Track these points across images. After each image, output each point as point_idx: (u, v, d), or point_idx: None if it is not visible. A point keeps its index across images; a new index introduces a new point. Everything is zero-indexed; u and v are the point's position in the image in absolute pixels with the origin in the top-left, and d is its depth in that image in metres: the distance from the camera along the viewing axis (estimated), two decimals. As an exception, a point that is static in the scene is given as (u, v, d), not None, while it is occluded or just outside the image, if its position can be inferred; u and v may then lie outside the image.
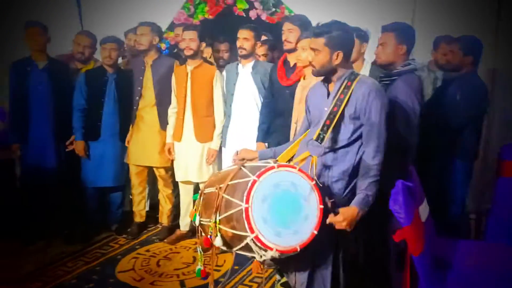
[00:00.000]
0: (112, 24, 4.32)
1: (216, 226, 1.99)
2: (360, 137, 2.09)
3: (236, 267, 3.17)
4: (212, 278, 2.35)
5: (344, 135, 2.08)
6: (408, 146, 2.41)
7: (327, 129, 2.01)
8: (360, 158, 2.08)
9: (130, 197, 3.91)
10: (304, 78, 2.95)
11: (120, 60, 3.90)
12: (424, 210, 2.40)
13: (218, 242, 2.00)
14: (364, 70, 3.04)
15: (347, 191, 2.10)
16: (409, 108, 2.38)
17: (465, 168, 3.13)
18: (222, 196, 1.95)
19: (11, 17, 4.31)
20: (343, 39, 2.07)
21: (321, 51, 2.07)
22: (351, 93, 2.05)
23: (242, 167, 2.03)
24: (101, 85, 3.56)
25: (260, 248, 1.84)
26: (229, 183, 1.97)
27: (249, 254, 1.95)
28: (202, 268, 2.20)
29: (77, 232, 3.67)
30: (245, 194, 1.84)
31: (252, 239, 1.82)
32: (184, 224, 3.65)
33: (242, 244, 1.88)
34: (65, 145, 3.62)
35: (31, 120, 3.53)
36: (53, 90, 3.55)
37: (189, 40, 3.35)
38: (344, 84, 2.08)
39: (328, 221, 1.93)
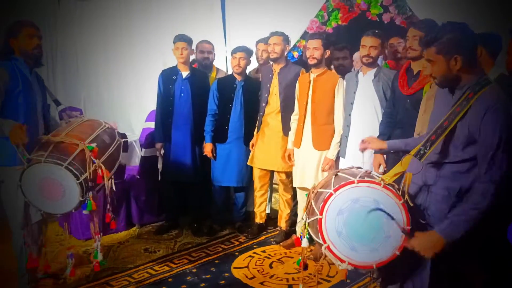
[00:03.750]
0: (251, 36, 4.60)
1: (305, 228, 2.04)
2: (474, 158, 1.83)
3: (348, 280, 3.08)
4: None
5: (453, 154, 1.85)
6: None
7: (431, 145, 1.81)
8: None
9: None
10: (430, 87, 2.73)
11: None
12: None
13: (305, 243, 2.10)
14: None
15: (451, 214, 1.83)
16: None
17: None
18: (311, 202, 1.96)
19: (171, 31, 4.94)
20: (457, 41, 1.81)
21: (435, 61, 1.85)
22: (469, 108, 1.78)
23: (334, 176, 1.99)
24: (230, 92, 3.83)
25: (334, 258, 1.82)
26: (318, 190, 1.97)
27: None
28: (301, 260, 2.28)
29: (204, 226, 4.01)
30: (320, 205, 1.84)
31: (326, 249, 1.81)
32: (300, 230, 3.69)
33: (321, 251, 1.88)
34: (202, 147, 3.95)
35: (173, 123, 3.92)
36: (193, 98, 3.89)
37: (313, 49, 3.37)
38: (465, 95, 1.82)
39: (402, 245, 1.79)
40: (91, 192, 2.47)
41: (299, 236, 2.10)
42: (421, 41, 2.39)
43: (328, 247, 1.82)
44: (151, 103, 4.66)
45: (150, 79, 4.87)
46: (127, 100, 5.44)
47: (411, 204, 1.84)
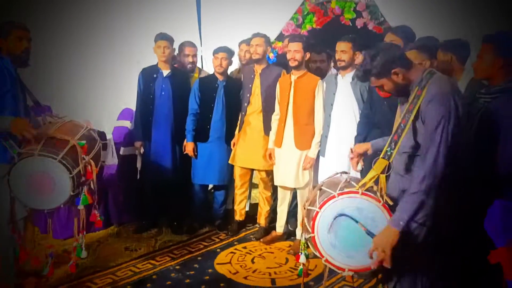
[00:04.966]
0: (226, 36, 4.66)
1: (303, 245, 2.17)
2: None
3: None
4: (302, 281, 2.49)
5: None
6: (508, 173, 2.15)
7: (395, 145, 1.93)
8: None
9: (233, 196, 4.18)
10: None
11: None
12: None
13: (302, 259, 2.20)
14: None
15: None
16: None
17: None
18: (304, 219, 2.10)
19: (144, 29, 4.91)
20: (384, 62, 1.93)
21: (382, 84, 1.99)
22: (420, 103, 1.88)
23: (318, 191, 2.10)
24: (212, 92, 3.89)
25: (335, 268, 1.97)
26: (307, 207, 2.10)
27: None
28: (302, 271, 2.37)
29: (184, 224, 4.05)
30: (310, 224, 1.98)
31: (325, 262, 1.96)
32: (279, 227, 3.82)
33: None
34: (182, 146, 3.97)
35: (153, 122, 3.93)
36: (173, 96, 3.91)
37: (294, 52, 3.48)
38: (415, 93, 1.93)
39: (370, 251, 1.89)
40: (85, 186, 2.48)
41: (300, 253, 2.21)
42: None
43: (326, 260, 1.96)
44: (123, 101, 4.63)
45: (123, 77, 4.80)
46: (98, 98, 5.34)
47: (391, 203, 1.94)
